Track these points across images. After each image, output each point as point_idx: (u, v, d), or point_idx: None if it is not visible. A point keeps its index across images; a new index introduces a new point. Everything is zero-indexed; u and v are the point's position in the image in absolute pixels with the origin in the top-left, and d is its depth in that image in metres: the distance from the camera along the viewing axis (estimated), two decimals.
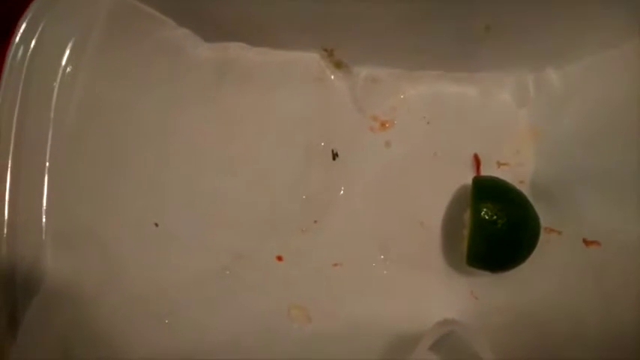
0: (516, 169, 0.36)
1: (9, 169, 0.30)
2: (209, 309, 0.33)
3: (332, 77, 0.36)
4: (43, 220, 0.31)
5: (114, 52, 0.32)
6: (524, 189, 0.34)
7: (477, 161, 0.36)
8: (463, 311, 0.34)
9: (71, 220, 0.32)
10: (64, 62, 0.31)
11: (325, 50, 0.35)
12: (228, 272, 0.34)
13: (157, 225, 0.34)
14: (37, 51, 0.30)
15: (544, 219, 0.33)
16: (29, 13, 0.31)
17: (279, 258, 0.35)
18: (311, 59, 0.36)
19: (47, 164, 0.31)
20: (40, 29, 0.30)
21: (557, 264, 0.33)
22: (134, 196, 0.33)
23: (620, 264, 0.31)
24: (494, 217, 0.32)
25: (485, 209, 0.32)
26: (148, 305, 0.32)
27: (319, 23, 0.33)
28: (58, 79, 0.31)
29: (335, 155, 0.36)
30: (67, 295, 0.30)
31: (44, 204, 0.31)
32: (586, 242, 0.33)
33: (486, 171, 0.36)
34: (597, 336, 0.30)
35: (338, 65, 0.36)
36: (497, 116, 0.36)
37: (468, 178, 0.34)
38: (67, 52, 0.31)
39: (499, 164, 0.36)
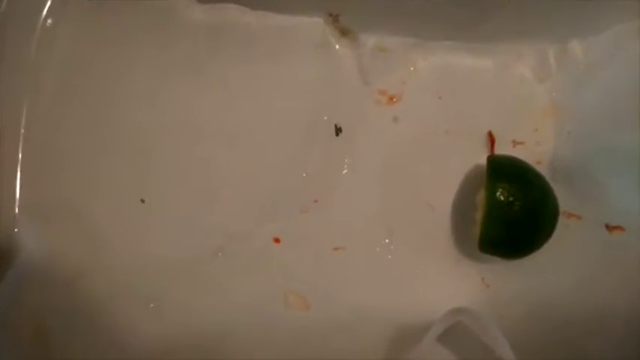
0: (534, 148, 0.34)
1: None
2: (199, 293, 0.31)
3: (337, 46, 0.34)
4: (17, 193, 0.29)
5: (100, 7, 0.29)
6: (542, 170, 0.32)
7: (492, 139, 0.34)
8: (473, 300, 0.32)
9: (48, 194, 0.30)
10: (44, 13, 0.28)
11: (330, 15, 0.33)
12: (220, 254, 0.32)
13: (143, 201, 0.31)
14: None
15: (563, 202, 0.31)
16: None
17: (276, 240, 0.32)
18: (314, 25, 0.33)
19: (22, 131, 0.29)
20: None
21: (576, 250, 0.32)
22: (119, 169, 0.31)
23: None
24: (511, 198, 0.30)
25: (501, 189, 0.30)
26: (132, 288, 0.30)
27: None
28: (37, 34, 0.28)
29: (338, 130, 0.34)
30: (42, 274, 0.28)
31: (18, 175, 0.29)
32: (608, 227, 0.31)
33: (501, 150, 0.34)
34: (620, 329, 0.29)
35: (344, 32, 0.34)
36: (515, 91, 0.34)
37: (481, 158, 0.33)
38: (49, 2, 0.28)
39: (515, 143, 0.34)
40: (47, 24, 0.28)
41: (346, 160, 0.34)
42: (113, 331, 0.29)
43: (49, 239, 0.29)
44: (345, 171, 0.34)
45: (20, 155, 0.29)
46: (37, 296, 0.28)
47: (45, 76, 0.29)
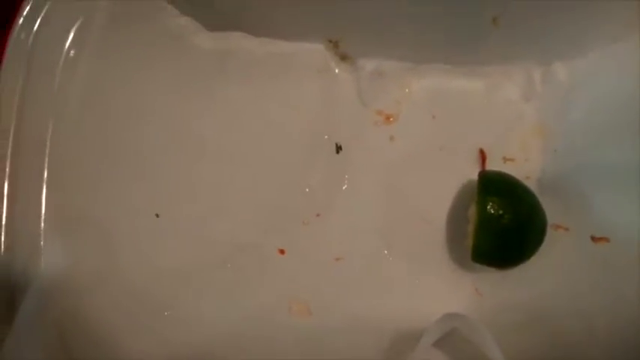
0: (523, 164, 0.35)
1: (9, 154, 0.30)
2: (209, 301, 0.33)
3: (336, 70, 0.36)
4: (43, 207, 0.31)
5: (117, 37, 0.32)
6: (531, 185, 0.34)
7: (483, 156, 0.35)
8: (467, 308, 0.33)
9: (70, 208, 0.31)
10: (67, 45, 0.31)
11: (330, 42, 0.35)
12: (229, 265, 0.34)
13: (157, 215, 0.33)
14: (41, 32, 0.30)
15: (551, 215, 0.32)
16: None
17: (281, 251, 0.34)
18: (315, 51, 0.35)
19: (47, 151, 0.31)
20: (44, 10, 0.30)
21: (564, 261, 0.33)
22: (134, 184, 0.33)
23: (630, 260, 0.30)
24: (501, 211, 0.31)
25: (491, 203, 0.31)
26: (147, 297, 0.32)
27: (324, 13, 0.33)
28: (61, 63, 0.30)
29: (339, 148, 0.36)
30: (64, 284, 0.30)
31: (44, 191, 0.31)
32: (594, 238, 0.32)
33: (492, 166, 0.35)
34: (608, 335, 0.29)
35: (343, 57, 0.36)
36: (504, 111, 0.36)
37: (473, 174, 0.34)
38: (72, 35, 0.30)
39: (505, 159, 0.35)
40: (70, 54, 0.31)
41: (346, 177, 0.35)
42: (130, 338, 0.31)
43: (69, 251, 0.31)
44: (345, 186, 0.35)
45: (46, 172, 0.31)
46: (59, 304, 0.30)
47: (67, 101, 0.31)
